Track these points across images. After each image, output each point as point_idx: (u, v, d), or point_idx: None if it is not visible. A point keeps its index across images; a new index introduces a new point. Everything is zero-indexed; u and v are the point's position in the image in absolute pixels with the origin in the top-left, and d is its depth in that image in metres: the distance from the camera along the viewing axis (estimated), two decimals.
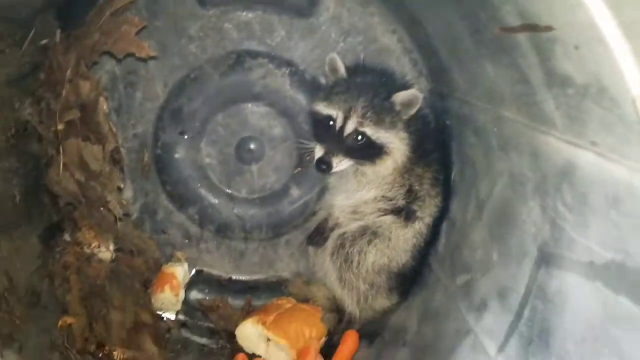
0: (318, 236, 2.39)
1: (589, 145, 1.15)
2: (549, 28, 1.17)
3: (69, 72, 2.07)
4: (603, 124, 1.09)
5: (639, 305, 0.96)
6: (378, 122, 2.13)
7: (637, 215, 0.99)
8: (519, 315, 1.40)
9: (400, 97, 2.14)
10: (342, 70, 2.24)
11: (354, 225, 2.30)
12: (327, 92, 2.24)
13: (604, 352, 1.05)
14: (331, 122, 2.16)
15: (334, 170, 2.14)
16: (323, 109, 2.20)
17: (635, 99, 0.96)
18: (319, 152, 2.15)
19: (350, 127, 2.13)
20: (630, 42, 0.94)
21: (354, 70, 2.28)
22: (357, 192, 2.28)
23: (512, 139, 1.58)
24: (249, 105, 2.56)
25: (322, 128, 2.21)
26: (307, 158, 2.49)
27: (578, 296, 1.16)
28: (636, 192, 0.99)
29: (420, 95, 2.15)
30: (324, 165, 2.12)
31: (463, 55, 1.86)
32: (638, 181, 0.99)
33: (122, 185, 2.36)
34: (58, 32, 2.12)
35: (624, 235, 1.02)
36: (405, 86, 2.23)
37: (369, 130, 2.13)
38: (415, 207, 2.25)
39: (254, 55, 2.50)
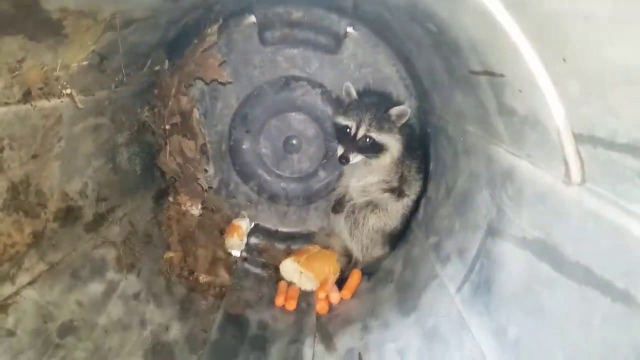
0: (338, 206, 2.39)
1: (526, 157, 1.15)
2: (501, 75, 1.15)
3: (173, 90, 2.08)
4: (536, 143, 1.08)
5: (555, 270, 0.96)
6: (380, 129, 2.12)
7: (556, 208, 0.99)
8: (471, 268, 1.39)
9: (395, 110, 2.13)
10: (354, 94, 2.23)
11: (362, 200, 2.30)
12: (345, 109, 2.23)
13: (527, 297, 1.06)
14: (348, 130, 2.15)
15: (350, 162, 2.14)
16: (342, 120, 2.19)
17: (558, 129, 0.95)
18: (340, 150, 2.16)
19: (361, 133, 2.12)
20: (556, 89, 0.93)
21: (362, 93, 2.27)
22: (366, 177, 2.27)
23: (473, 146, 1.57)
24: (293, 114, 2.55)
25: (342, 133, 2.19)
26: (331, 154, 2.49)
27: (512, 259, 1.16)
28: (556, 192, 0.99)
29: (409, 109, 2.14)
30: (343, 160, 2.13)
31: (440, 85, 1.84)
32: (558, 185, 0.98)
33: (207, 168, 2.38)
34: (166, 61, 2.13)
35: (546, 221, 1.02)
36: (398, 103, 2.21)
37: (374, 134, 2.12)
38: (404, 187, 2.24)
39: (297, 79, 2.48)
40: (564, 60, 0.85)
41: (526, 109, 1.09)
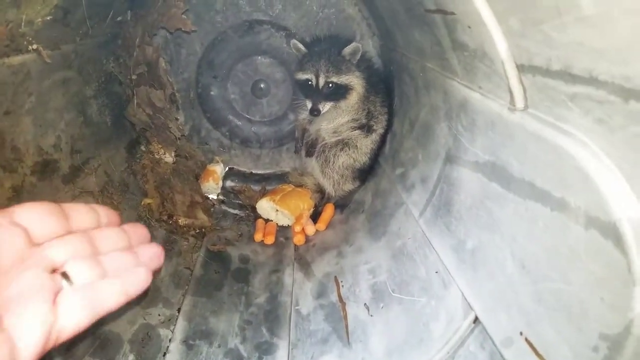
0: (311, 149, 2.44)
1: (477, 88, 1.23)
2: (452, 13, 1.22)
3: (137, 40, 2.06)
4: (485, 75, 1.17)
5: (503, 188, 1.07)
6: (338, 71, 2.18)
7: (503, 133, 1.09)
8: (432, 193, 1.51)
9: (347, 50, 2.17)
10: (302, 48, 2.26)
11: (333, 139, 2.37)
12: (300, 64, 2.27)
13: (481, 214, 1.18)
14: (310, 82, 2.20)
15: (322, 112, 2.21)
16: (301, 75, 2.23)
17: (503, 61, 1.04)
18: (309, 104, 2.21)
19: (322, 82, 2.18)
20: (500, 26, 1.01)
21: (311, 44, 2.29)
22: (336, 119, 2.32)
23: (432, 81, 1.64)
24: (259, 57, 2.56)
25: (305, 88, 2.24)
26: (296, 105, 2.46)
27: (468, 182, 1.28)
28: (503, 119, 1.09)
29: (360, 45, 2.18)
30: (315, 112, 2.19)
31: (401, 23, 1.87)
32: (504, 112, 1.08)
33: (178, 117, 2.39)
34: (129, 12, 2.09)
35: (495, 146, 1.12)
36: (349, 42, 2.22)
37: (334, 79, 2.18)
38: (372, 123, 2.32)
39: (261, 23, 2.48)
40: None
41: (475, 44, 1.16)
